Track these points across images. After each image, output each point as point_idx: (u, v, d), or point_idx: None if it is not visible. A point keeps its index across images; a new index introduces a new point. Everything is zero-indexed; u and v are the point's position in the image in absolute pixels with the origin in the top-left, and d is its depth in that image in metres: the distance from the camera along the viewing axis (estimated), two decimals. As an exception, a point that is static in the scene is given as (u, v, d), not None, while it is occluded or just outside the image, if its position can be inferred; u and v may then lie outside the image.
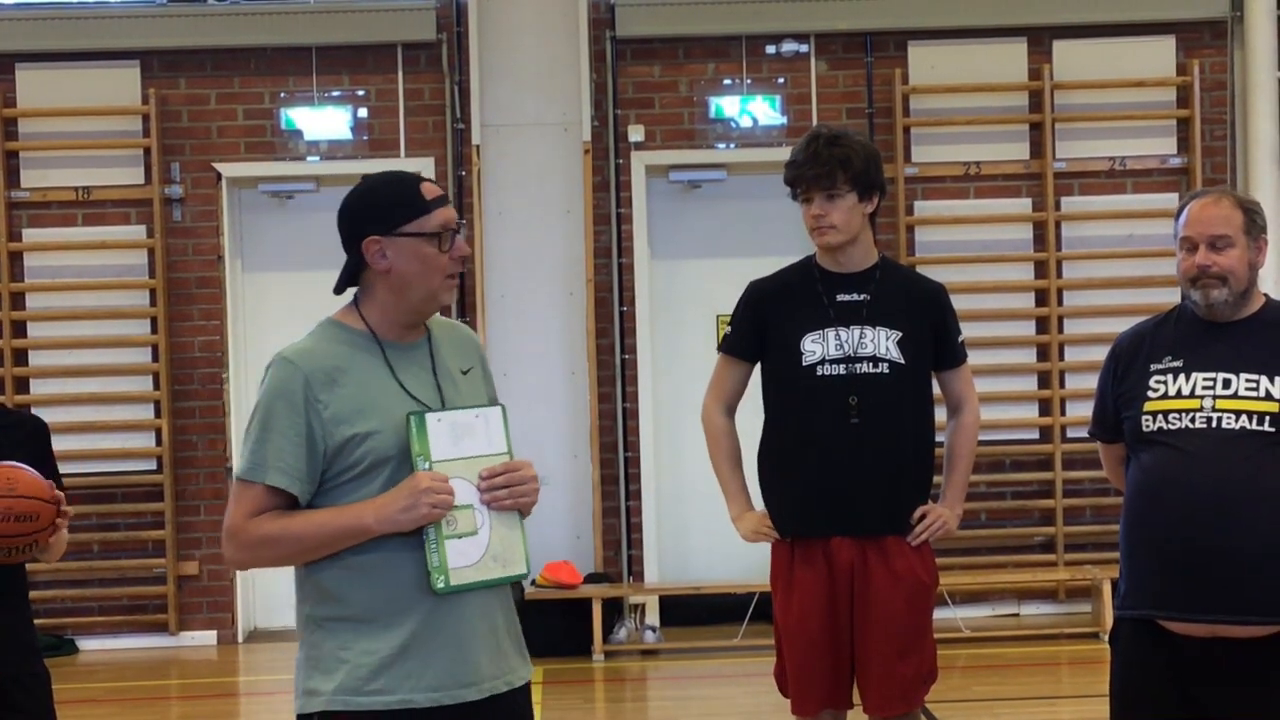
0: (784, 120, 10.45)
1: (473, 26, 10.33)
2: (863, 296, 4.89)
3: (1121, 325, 4.68)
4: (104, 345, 10.41)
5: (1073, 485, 10.40)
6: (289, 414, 3.35)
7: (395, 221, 3.41)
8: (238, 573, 10.24)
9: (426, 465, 3.35)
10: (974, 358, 5.39)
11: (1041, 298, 10.51)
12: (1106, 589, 9.38)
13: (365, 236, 3.42)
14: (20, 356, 10.43)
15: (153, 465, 10.43)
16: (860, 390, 4.83)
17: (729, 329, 5.09)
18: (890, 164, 9.75)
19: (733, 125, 10.50)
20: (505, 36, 10.42)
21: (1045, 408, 10.51)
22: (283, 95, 10.46)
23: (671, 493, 10.50)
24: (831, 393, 4.84)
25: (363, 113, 10.50)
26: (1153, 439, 4.13)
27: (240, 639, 10.41)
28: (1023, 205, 10.55)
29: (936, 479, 5.01)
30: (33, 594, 4.82)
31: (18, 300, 10.41)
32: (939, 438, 5.00)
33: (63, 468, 4.69)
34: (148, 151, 10.37)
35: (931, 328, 4.95)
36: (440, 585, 3.34)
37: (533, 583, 9.67)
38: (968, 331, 5.31)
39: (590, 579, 10.02)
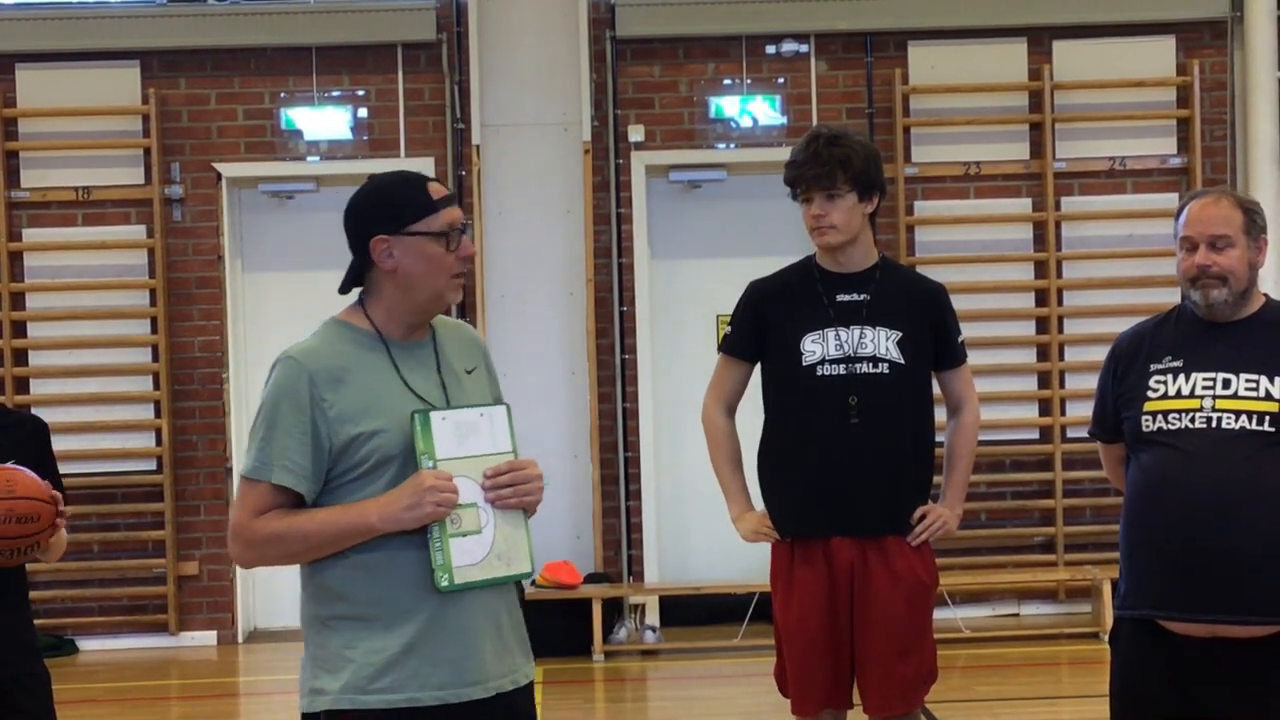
0: (784, 120, 10.45)
1: (473, 26, 10.33)
2: (863, 296, 4.89)
3: (1121, 325, 4.68)
4: (104, 345, 10.40)
5: (1073, 485, 10.40)
6: (294, 413, 3.36)
7: (403, 221, 3.42)
8: (238, 573, 10.25)
9: (431, 464, 3.36)
10: (974, 358, 5.39)
11: (1041, 298, 10.51)
12: (1106, 589, 9.38)
13: (373, 235, 3.43)
14: (20, 356, 10.43)
15: (153, 465, 10.42)
16: (860, 390, 4.83)
17: (729, 329, 5.09)
18: (890, 164, 9.75)
19: (733, 125, 10.50)
20: (505, 36, 10.42)
21: (1045, 408, 10.51)
22: (283, 95, 10.46)
23: (671, 493, 10.50)
24: (831, 393, 4.84)
25: (363, 113, 10.50)
26: (1153, 439, 4.13)
27: (240, 639, 10.40)
28: (1023, 205, 10.55)
29: (936, 479, 5.01)
30: (33, 594, 4.83)
31: (18, 300, 10.41)
32: (939, 438, 5.01)
33: (63, 468, 4.70)
34: (148, 151, 10.37)
35: (931, 328, 4.95)
36: (444, 584, 3.35)
37: (533, 583, 9.66)
38: (968, 331, 5.31)
39: (590, 579, 10.02)
